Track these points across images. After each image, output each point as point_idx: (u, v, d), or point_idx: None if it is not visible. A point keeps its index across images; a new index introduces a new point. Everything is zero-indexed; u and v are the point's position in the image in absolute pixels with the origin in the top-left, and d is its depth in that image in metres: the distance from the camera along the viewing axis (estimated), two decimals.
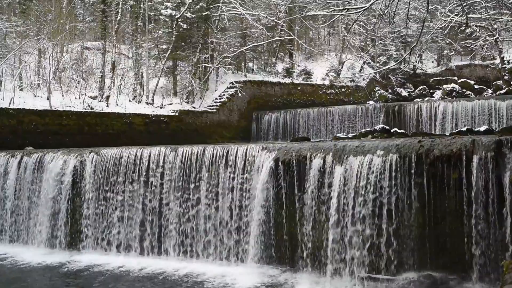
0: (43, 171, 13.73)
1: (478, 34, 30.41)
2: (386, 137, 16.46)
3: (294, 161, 10.52)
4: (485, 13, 23.40)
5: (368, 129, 19.54)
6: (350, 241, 9.39)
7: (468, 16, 18.53)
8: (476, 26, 27.75)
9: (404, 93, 32.92)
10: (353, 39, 35.56)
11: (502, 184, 8.30)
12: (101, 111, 22.19)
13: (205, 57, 28.29)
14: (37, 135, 19.40)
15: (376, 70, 31.54)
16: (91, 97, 23.89)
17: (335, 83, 32.02)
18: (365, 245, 9.26)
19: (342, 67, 34.39)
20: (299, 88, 31.05)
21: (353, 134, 20.58)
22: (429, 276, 8.69)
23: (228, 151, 11.52)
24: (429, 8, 13.71)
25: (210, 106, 26.84)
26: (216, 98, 27.55)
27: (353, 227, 9.39)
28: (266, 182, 10.69)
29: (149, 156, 12.50)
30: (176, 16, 26.40)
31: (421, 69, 36.82)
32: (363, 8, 10.94)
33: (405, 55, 19.79)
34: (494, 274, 8.25)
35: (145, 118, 23.05)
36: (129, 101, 25.09)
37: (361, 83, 32.40)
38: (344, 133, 21.87)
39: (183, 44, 28.28)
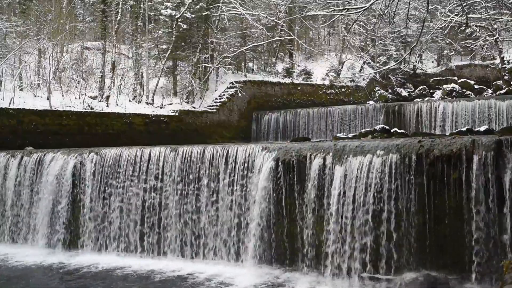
0: (43, 171, 13.72)
1: (478, 34, 30.40)
2: (386, 137, 16.47)
3: (294, 161, 10.52)
4: (485, 13, 23.39)
5: (368, 129, 19.54)
6: (350, 241, 9.39)
7: (468, 16, 18.52)
8: (476, 26, 27.74)
9: (404, 93, 32.92)
10: (353, 39, 35.56)
11: (502, 184, 8.30)
12: (101, 111, 22.19)
13: (205, 57, 28.28)
14: (37, 135, 19.39)
15: (376, 70, 31.53)
16: (91, 97, 23.89)
17: (335, 83, 32.01)
18: (365, 245, 9.26)
19: (342, 67, 34.39)
20: (299, 88, 31.04)
21: (353, 134, 20.57)
22: (429, 276, 8.69)
23: (228, 151, 11.52)
24: (429, 8, 13.72)
25: (210, 106, 26.83)
26: (216, 98, 27.54)
27: (353, 227, 9.39)
28: (266, 182, 10.69)
29: (149, 156, 12.50)
30: (176, 16, 26.40)
31: (421, 69, 36.82)
32: (363, 8, 10.94)
33: (405, 55, 19.79)
34: (494, 274, 8.25)
35: (145, 118, 23.05)
36: (129, 101, 25.09)
37: (361, 83, 32.40)
38: (344, 133, 21.86)
39: (183, 44, 28.28)
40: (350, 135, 20.16)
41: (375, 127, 19.39)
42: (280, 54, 35.96)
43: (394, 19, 26.48)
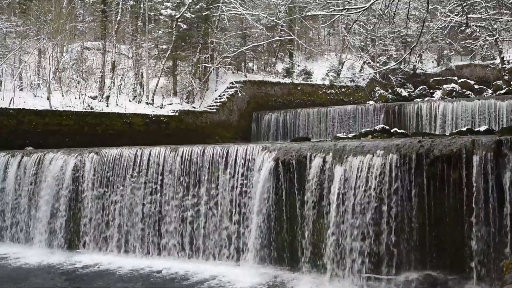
0: (43, 171, 13.72)
1: (478, 34, 30.40)
2: (386, 137, 16.48)
3: (294, 161, 10.52)
4: (485, 13, 23.38)
5: (368, 129, 19.56)
6: (350, 241, 9.39)
7: (468, 16, 18.52)
8: (476, 26, 27.74)
9: (404, 93, 32.92)
10: (353, 39, 35.55)
11: (502, 184, 8.30)
12: (101, 111, 22.17)
13: (205, 57, 28.27)
14: (37, 135, 19.38)
15: (376, 70, 31.54)
16: (91, 97, 23.87)
17: (335, 83, 32.02)
18: (365, 245, 9.26)
19: (342, 67, 34.40)
20: (299, 88, 31.04)
21: (353, 134, 20.59)
22: (429, 276, 8.69)
23: (228, 151, 11.52)
24: (429, 8, 13.72)
25: (210, 106, 26.83)
26: (216, 98, 27.55)
27: (353, 227, 9.39)
28: (266, 182, 10.69)
29: (149, 156, 12.50)
30: (176, 16, 26.39)
31: (421, 69, 36.84)
32: (363, 8, 10.93)
33: (405, 55, 19.75)
34: (494, 274, 8.25)
35: (145, 118, 23.04)
36: (129, 101, 25.07)
37: (361, 83, 32.40)
38: (344, 133, 21.87)
39: (183, 44, 28.27)
40: (350, 135, 20.18)
41: (375, 127, 19.41)
42: (280, 54, 35.97)
43: (394, 19, 26.51)
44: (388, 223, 9.11)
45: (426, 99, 29.59)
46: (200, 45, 28.16)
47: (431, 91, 32.70)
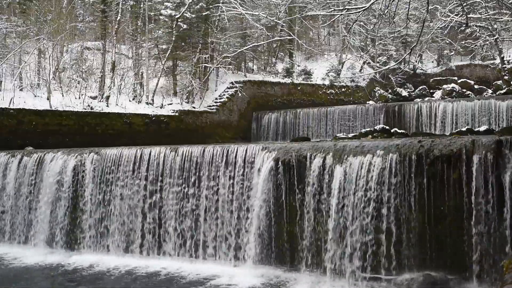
0: (43, 171, 13.72)
1: (478, 34, 30.41)
2: (386, 137, 16.49)
3: (294, 161, 10.52)
4: (485, 13, 23.39)
5: (368, 129, 19.58)
6: (350, 241, 9.39)
7: (468, 16, 18.52)
8: (476, 26, 27.74)
9: (404, 93, 32.91)
10: (353, 39, 35.55)
11: (502, 184, 8.30)
12: (101, 111, 22.17)
13: (205, 57, 28.27)
14: (37, 135, 19.38)
15: (376, 70, 31.53)
16: (91, 97, 23.87)
17: (335, 83, 32.02)
18: (365, 245, 9.26)
19: (342, 67, 34.39)
20: (299, 88, 31.04)
21: (353, 134, 20.60)
22: (429, 276, 8.69)
23: (228, 151, 11.52)
24: (429, 8, 13.72)
25: (210, 106, 26.83)
26: (216, 98, 27.55)
27: (353, 227, 9.39)
28: (266, 182, 10.69)
29: (149, 156, 12.50)
30: (176, 16, 26.39)
31: (421, 69, 36.83)
32: (363, 8, 10.93)
33: (405, 55, 19.75)
34: (494, 274, 8.25)
35: (145, 118, 23.04)
36: (129, 101, 25.07)
37: (361, 83, 32.40)
38: (344, 133, 21.87)
39: (183, 44, 28.27)
40: (350, 135, 20.19)
41: (375, 127, 19.43)
42: (280, 54, 35.96)
43: (394, 19, 26.51)
44: (388, 223, 9.11)
45: (426, 99, 29.59)
46: (200, 45, 28.16)
47: (431, 91, 32.70)
